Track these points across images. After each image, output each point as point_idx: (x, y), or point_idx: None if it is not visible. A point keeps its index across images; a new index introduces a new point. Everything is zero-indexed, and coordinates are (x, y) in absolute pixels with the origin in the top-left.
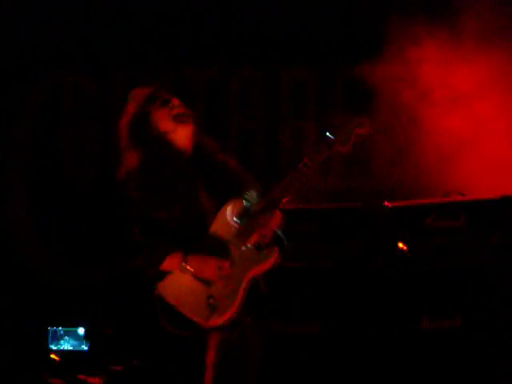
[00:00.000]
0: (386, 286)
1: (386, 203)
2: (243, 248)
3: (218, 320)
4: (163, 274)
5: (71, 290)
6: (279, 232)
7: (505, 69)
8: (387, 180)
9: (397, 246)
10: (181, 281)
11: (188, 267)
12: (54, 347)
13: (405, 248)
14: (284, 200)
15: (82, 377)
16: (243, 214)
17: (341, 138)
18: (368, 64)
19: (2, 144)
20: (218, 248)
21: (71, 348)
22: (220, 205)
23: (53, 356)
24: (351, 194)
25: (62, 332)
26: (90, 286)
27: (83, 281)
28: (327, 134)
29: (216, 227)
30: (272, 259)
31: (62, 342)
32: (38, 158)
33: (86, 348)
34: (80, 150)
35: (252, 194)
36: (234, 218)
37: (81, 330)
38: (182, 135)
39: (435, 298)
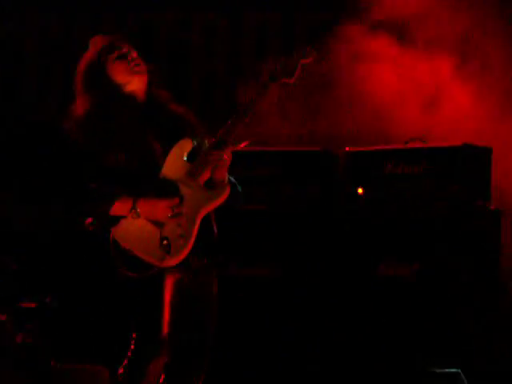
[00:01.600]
0: (344, 231)
1: (346, 148)
2: (194, 187)
3: (173, 260)
4: (115, 220)
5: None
6: (230, 176)
7: None
8: (349, 125)
9: (356, 191)
10: (134, 225)
11: (138, 211)
12: None
13: (364, 193)
14: (233, 137)
15: None
16: (193, 153)
17: (285, 68)
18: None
19: None
20: (168, 189)
21: None
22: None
23: None
24: (312, 139)
25: None
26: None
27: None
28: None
29: (166, 168)
30: (222, 197)
31: None
32: None
33: None
34: (41, 94)
35: (201, 136)
36: (184, 157)
37: None
38: (135, 87)
39: (393, 245)
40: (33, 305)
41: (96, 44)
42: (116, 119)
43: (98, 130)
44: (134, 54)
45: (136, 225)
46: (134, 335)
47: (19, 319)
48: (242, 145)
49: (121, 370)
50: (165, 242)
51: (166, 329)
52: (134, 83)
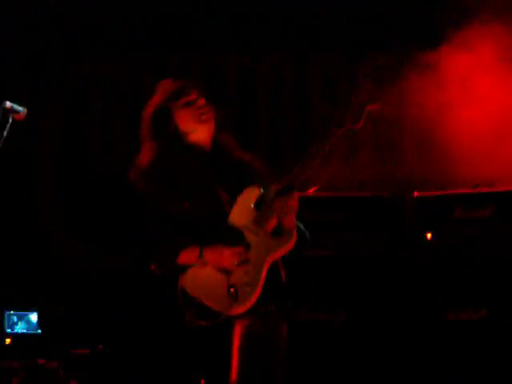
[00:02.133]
0: (412, 276)
1: (414, 193)
2: (261, 234)
3: (241, 308)
4: (183, 269)
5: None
6: (298, 222)
7: None
8: (416, 169)
9: (424, 236)
10: (201, 273)
11: (205, 259)
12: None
13: (432, 238)
14: (300, 182)
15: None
16: (260, 201)
17: (351, 116)
18: (396, 52)
19: (31, 131)
20: (234, 236)
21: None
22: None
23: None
24: (379, 183)
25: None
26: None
27: (107, 268)
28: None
29: (233, 216)
30: (290, 244)
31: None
32: (66, 147)
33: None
34: (107, 139)
35: (268, 183)
36: (251, 205)
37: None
38: (201, 136)
39: (462, 290)
40: (86, 351)
41: (163, 89)
42: (180, 168)
43: (162, 179)
44: (202, 102)
45: (203, 273)
46: (202, 382)
47: (72, 366)
48: (311, 190)
49: None
50: (232, 289)
51: (234, 375)
52: (201, 132)
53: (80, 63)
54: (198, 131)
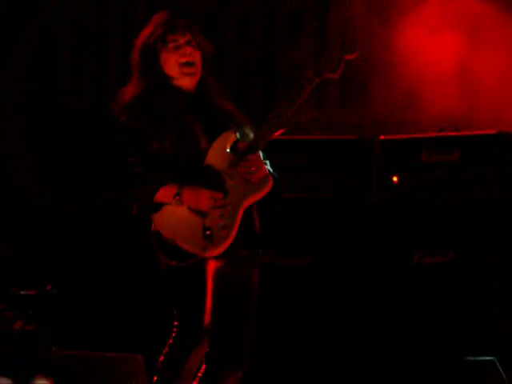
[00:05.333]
0: (378, 219)
1: (381, 136)
2: (237, 178)
3: (215, 250)
4: (157, 208)
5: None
6: (268, 166)
7: None
8: (383, 113)
9: (391, 179)
10: (177, 214)
11: (183, 198)
12: None
13: (398, 181)
14: (273, 133)
15: None
16: (235, 146)
17: (329, 64)
18: None
19: None
20: (212, 179)
21: None
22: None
23: None
24: (346, 126)
25: None
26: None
27: (81, 208)
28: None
29: (210, 159)
30: (266, 189)
31: None
32: (35, 86)
33: None
34: (77, 77)
35: (244, 129)
36: (227, 149)
37: None
38: (184, 83)
39: (428, 233)
40: (32, 292)
41: (155, 22)
42: (162, 108)
43: (145, 115)
44: (188, 49)
45: (179, 214)
46: (175, 323)
47: (18, 307)
48: (278, 132)
49: (161, 358)
50: (208, 232)
51: (207, 318)
52: (184, 80)
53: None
54: (181, 79)
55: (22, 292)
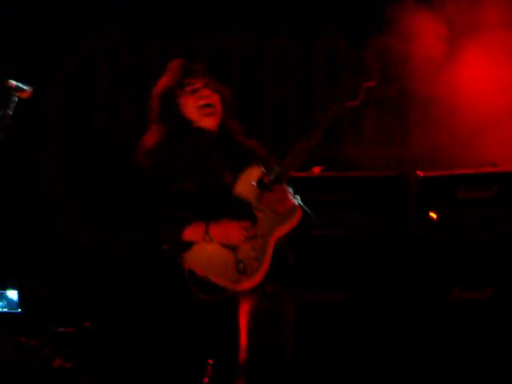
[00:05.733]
0: (416, 256)
1: (418, 172)
2: (266, 210)
3: (248, 283)
4: (187, 247)
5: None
6: (301, 203)
7: None
8: (421, 149)
9: (429, 216)
10: (207, 250)
11: (211, 235)
12: None
13: (436, 218)
14: (298, 165)
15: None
16: (261, 180)
17: (349, 92)
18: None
19: (35, 111)
20: (240, 212)
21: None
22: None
23: None
24: (384, 163)
25: None
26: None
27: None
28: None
29: (237, 193)
30: (295, 218)
31: None
32: (71, 125)
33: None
34: (112, 117)
35: (269, 163)
36: (253, 183)
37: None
38: (206, 125)
39: (465, 270)
40: (71, 329)
41: (172, 70)
42: (185, 150)
43: (167, 160)
44: (206, 92)
45: (209, 250)
46: (210, 361)
47: (57, 344)
48: (317, 170)
49: None
50: (240, 265)
51: (242, 355)
52: (204, 122)
53: (85, 40)
54: (201, 121)
55: (60, 329)
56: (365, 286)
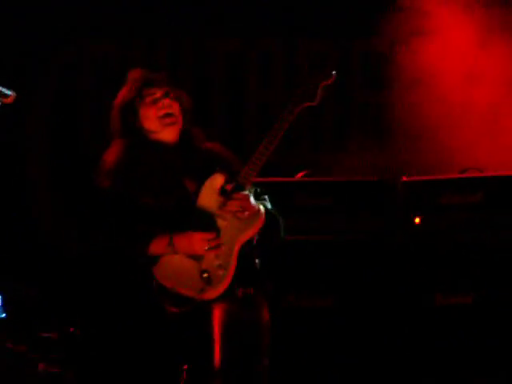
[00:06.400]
0: (400, 261)
1: (403, 178)
2: (228, 218)
3: (215, 291)
4: (155, 260)
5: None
6: (270, 208)
7: None
8: (405, 154)
9: (413, 221)
10: (173, 262)
11: (175, 247)
12: None
13: (421, 223)
14: (257, 170)
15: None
16: (223, 187)
17: (306, 92)
18: (386, 37)
19: (21, 115)
20: (203, 221)
21: None
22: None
23: None
24: (368, 168)
25: None
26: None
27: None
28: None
29: (200, 202)
30: (258, 224)
31: None
32: (55, 132)
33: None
34: (97, 124)
35: (236, 171)
36: (216, 191)
37: None
38: (166, 136)
39: (450, 275)
40: (55, 334)
41: (131, 81)
42: (145, 165)
43: (127, 180)
44: (166, 101)
45: (175, 262)
46: (185, 367)
47: (42, 349)
48: (300, 175)
49: None
50: (205, 274)
51: (217, 361)
52: (165, 132)
53: (68, 48)
54: (162, 132)
55: (45, 334)
56: (351, 291)
